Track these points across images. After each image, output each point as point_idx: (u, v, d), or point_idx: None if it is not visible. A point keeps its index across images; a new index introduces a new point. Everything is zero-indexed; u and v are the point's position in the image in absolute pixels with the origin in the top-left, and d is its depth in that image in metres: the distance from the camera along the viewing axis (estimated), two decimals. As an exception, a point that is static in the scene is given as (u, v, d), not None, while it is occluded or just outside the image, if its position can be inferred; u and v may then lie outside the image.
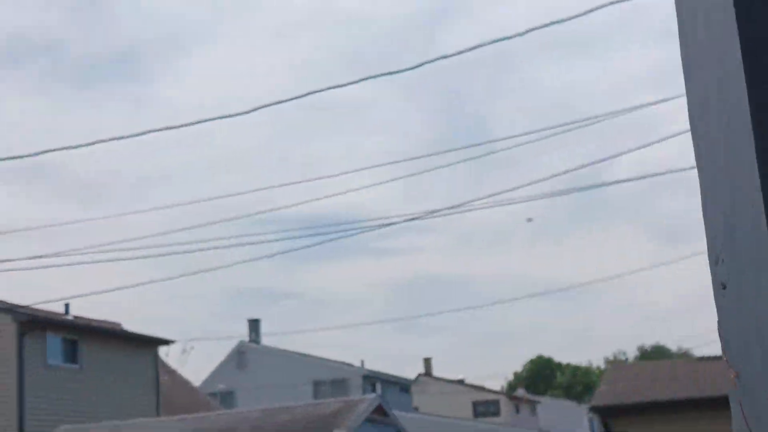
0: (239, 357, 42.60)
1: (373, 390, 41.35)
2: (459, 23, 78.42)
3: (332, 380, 41.20)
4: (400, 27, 76.05)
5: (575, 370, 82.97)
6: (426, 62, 11.89)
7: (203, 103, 73.75)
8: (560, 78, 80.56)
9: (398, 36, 76.10)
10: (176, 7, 71.16)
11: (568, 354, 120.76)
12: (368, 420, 17.92)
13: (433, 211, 16.57)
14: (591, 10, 10.00)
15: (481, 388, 57.03)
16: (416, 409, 46.71)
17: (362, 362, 43.26)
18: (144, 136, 11.87)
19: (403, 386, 46.25)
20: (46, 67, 75.66)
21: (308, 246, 16.83)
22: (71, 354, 24.01)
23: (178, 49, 73.45)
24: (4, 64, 75.19)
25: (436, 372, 57.81)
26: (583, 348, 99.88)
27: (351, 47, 75.55)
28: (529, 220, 18.94)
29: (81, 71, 77.11)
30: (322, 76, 76.31)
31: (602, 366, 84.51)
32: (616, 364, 47.97)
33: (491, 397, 56.32)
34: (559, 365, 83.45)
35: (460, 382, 56.67)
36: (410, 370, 79.14)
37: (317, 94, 11.99)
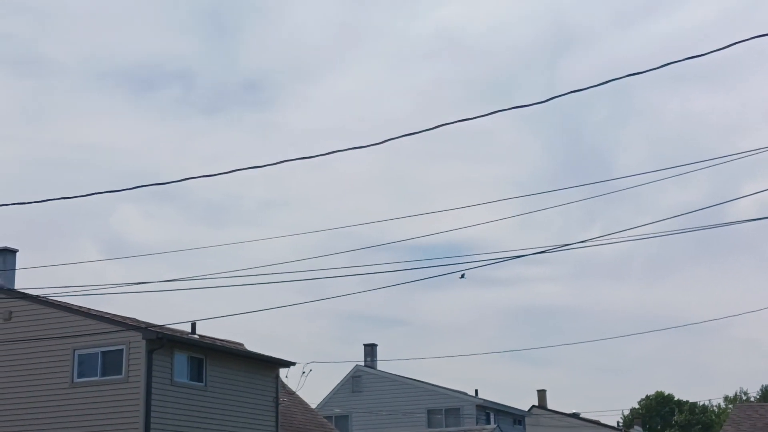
0: (354, 381, 42.95)
1: (487, 420, 41.08)
2: (580, 52, 77.69)
3: (446, 409, 41.10)
4: (522, 55, 75.83)
5: (693, 407, 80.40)
6: (555, 96, 11.88)
7: (324, 128, 75.08)
8: (682, 108, 78.65)
9: (519, 64, 75.84)
10: (301, 37, 72.82)
11: (685, 391, 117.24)
12: (487, 450, 17.87)
13: (546, 249, 16.45)
14: (730, 45, 9.86)
15: (597, 423, 55.91)
16: (530, 442, 46.17)
17: (476, 391, 43.04)
18: (268, 161, 12.22)
19: (516, 418, 45.78)
20: (177, 94, 78.45)
21: (425, 278, 16.96)
22: (197, 372, 24.73)
23: (303, 77, 75.07)
24: (140, 91, 78.24)
25: (550, 404, 57.00)
26: (701, 385, 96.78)
27: (472, 75, 75.71)
28: (462, 276, 18.68)
29: (210, 98, 79.59)
30: (443, 103, 76.74)
31: (722, 404, 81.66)
32: (741, 404, 46.36)
33: (606, 432, 55.14)
34: (678, 402, 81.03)
35: (575, 415, 55.69)
36: (523, 402, 78.14)
37: (441, 120, 12.11)
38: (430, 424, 40.69)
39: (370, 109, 76.99)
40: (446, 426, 39.96)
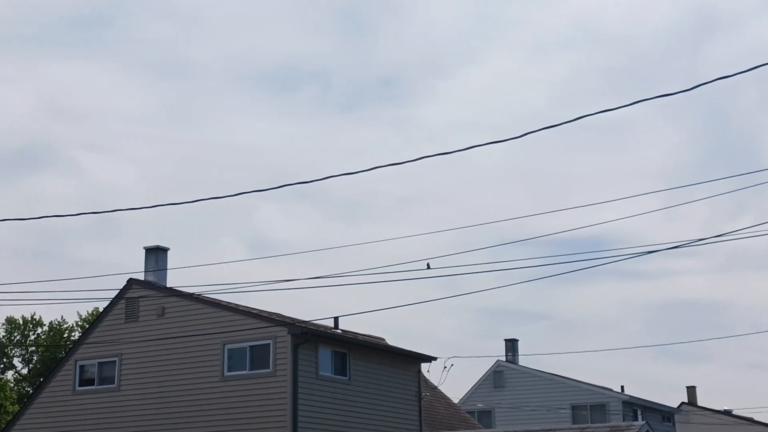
0: (496, 376, 42.77)
1: (634, 417, 40.15)
2: (723, 35, 74.87)
3: (591, 405, 40.42)
4: (661, 41, 73.66)
5: None
6: (701, 84, 11.50)
7: (459, 122, 74.98)
8: (840, 91, 74.72)
9: (660, 50, 73.72)
10: (435, 32, 72.97)
11: None
12: (634, 447, 17.52)
13: (694, 241, 15.91)
14: None
15: (750, 420, 53.82)
16: (679, 439, 44.86)
17: (622, 387, 42.16)
18: (404, 156, 12.31)
19: (665, 414, 44.56)
20: (315, 93, 79.97)
21: (568, 272, 16.72)
22: (340, 366, 25.18)
23: (437, 72, 75.18)
24: (279, 92, 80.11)
25: (701, 401, 55.22)
26: None
27: (610, 64, 74.11)
28: (428, 266, 17.93)
29: (347, 96, 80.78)
30: (580, 94, 75.39)
31: None
32: None
33: (761, 430, 53.01)
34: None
35: (727, 412, 53.76)
36: (671, 398, 76.03)
37: (578, 111, 11.92)
38: (574, 420, 40.08)
39: (505, 102, 76.41)
40: (591, 422, 39.27)
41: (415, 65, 76.28)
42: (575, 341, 78.45)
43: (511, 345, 43.88)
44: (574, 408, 40.57)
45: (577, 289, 79.31)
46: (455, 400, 36.37)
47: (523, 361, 43.49)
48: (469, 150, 12.05)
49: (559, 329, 78.56)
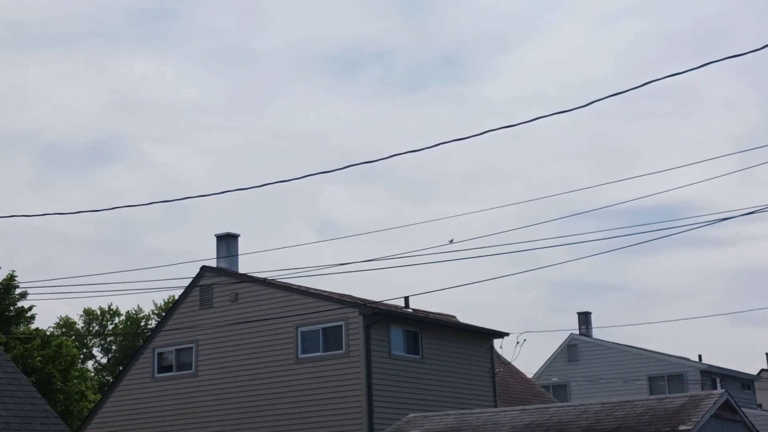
0: (570, 350, 42.46)
1: (713, 385, 39.52)
2: (794, -7, 72.68)
3: (668, 375, 39.91)
4: (728, 3, 71.88)
5: None
6: (772, 41, 11.14)
7: (523, 96, 74.25)
8: None
9: (726, 13, 71.95)
10: (496, 7, 72.24)
11: None
12: (715, 416, 17.22)
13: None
14: None
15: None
16: (760, 407, 44.03)
17: (699, 357, 41.52)
18: (469, 133, 12.18)
19: (744, 382, 43.78)
20: (378, 74, 79.88)
21: (641, 243, 16.45)
22: (413, 345, 25.22)
23: (499, 47, 74.50)
24: (342, 75, 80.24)
25: (781, 368, 54.08)
26: None
27: (675, 29, 72.60)
28: (451, 241, 17.76)
29: (410, 76, 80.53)
30: (646, 61, 74.01)
31: None
32: None
33: None
34: None
35: (809, 378, 52.58)
36: (751, 366, 74.63)
37: (644, 79, 11.65)
38: (652, 391, 39.61)
39: (569, 74, 75.38)
40: (669, 392, 38.78)
41: (477, 41, 75.72)
42: (650, 312, 77.52)
43: (584, 318, 43.51)
44: (651, 379, 40.11)
45: (649, 260, 78.23)
46: (529, 375, 36.22)
47: (596, 333, 43.10)
48: (535, 123, 11.90)
49: (632, 301, 77.65)
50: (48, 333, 44.65)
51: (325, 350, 24.31)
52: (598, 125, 76.48)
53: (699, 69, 11.06)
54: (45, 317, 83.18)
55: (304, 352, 24.65)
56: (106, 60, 72.24)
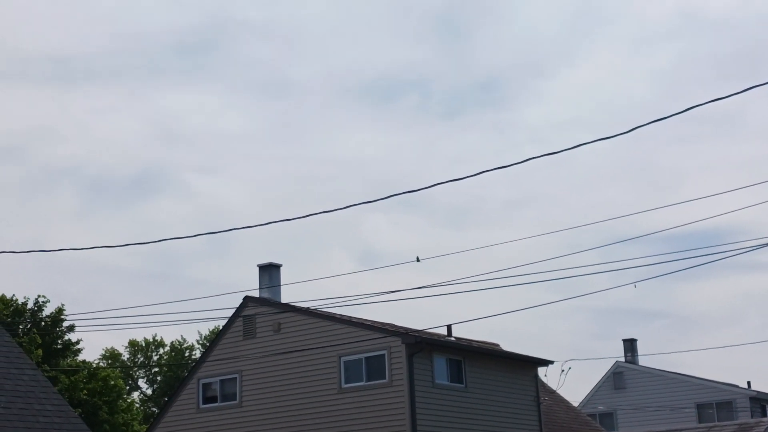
0: (616, 377, 41.97)
1: (763, 413, 38.80)
2: (838, 14, 71.93)
3: (717, 402, 39.26)
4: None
5: None
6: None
7: (563, 121, 74.03)
8: None
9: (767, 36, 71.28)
10: (534, 32, 72.33)
11: None
12: (766, 445, 16.91)
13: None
14: None
15: None
16: (813, 435, 43.09)
17: (748, 383, 40.79)
18: (508, 160, 12.19)
19: (795, 409, 42.93)
20: (416, 101, 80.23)
21: (685, 269, 16.28)
22: (456, 374, 25.10)
23: (537, 72, 74.44)
24: (379, 102, 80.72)
25: (834, 395, 52.96)
26: None
27: (718, 51, 72.09)
28: (418, 260, 17.87)
29: (447, 103, 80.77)
30: (688, 84, 73.53)
31: None
32: None
33: None
34: None
35: None
36: (802, 393, 73.09)
37: (684, 102, 11.61)
38: (700, 419, 38.98)
39: (608, 97, 75.07)
40: (718, 420, 38.12)
41: (514, 67, 75.74)
42: (696, 338, 76.34)
43: (630, 345, 43.01)
44: (699, 407, 39.48)
45: (694, 285, 77.18)
46: (575, 404, 35.83)
47: (642, 361, 42.58)
48: (575, 148, 11.88)
49: (677, 327, 76.59)
50: (94, 365, 45.11)
51: (368, 380, 24.28)
52: (638, 149, 75.92)
53: (742, 93, 11.00)
54: (90, 349, 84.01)
55: (347, 382, 24.63)
56: (148, 92, 73.37)
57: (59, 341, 39.87)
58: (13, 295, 38.97)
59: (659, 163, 72.15)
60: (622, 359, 42.43)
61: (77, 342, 40.22)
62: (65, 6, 65.86)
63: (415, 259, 18.42)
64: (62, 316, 39.22)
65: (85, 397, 37.74)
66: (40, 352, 36.13)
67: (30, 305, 39.13)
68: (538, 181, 76.03)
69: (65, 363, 39.42)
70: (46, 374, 32.32)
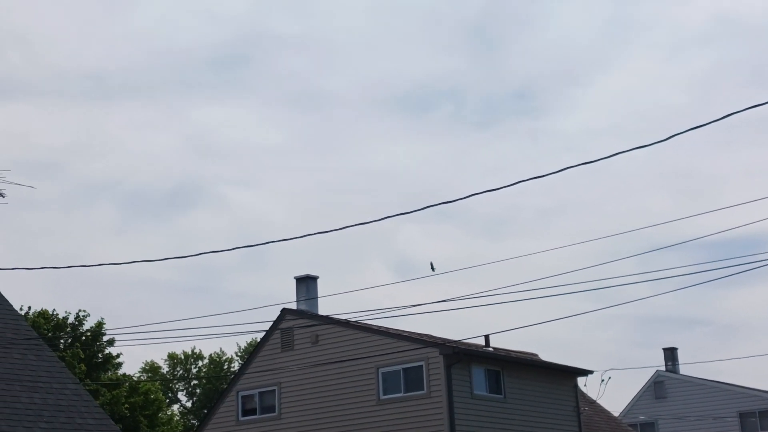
0: (657, 387, 41.52)
1: (808, 422, 38.19)
2: None
3: (760, 411, 38.68)
4: (808, 28, 70.40)
5: None
6: None
7: (598, 129, 73.61)
8: None
9: (806, 38, 70.46)
10: (568, 40, 72.00)
11: None
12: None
13: None
14: None
15: None
16: None
17: (793, 392, 40.16)
18: (543, 168, 12.11)
19: (842, 418, 42.19)
20: (450, 111, 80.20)
21: (726, 276, 16.07)
22: (495, 384, 24.99)
23: (572, 80, 74.09)
24: (413, 112, 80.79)
25: None
26: None
27: (754, 57, 71.30)
28: (432, 267, 17.54)
29: (482, 112, 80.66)
30: (724, 90, 72.78)
31: None
32: None
33: None
34: None
35: None
36: None
37: (721, 108, 11.49)
38: (743, 428, 38.45)
39: (644, 104, 74.44)
40: (761, 429, 37.58)
41: (549, 75, 75.42)
42: (737, 346, 75.31)
43: (671, 354, 42.53)
44: (741, 415, 38.93)
45: (735, 292, 76.25)
46: (615, 414, 35.49)
47: (683, 369, 42.09)
48: (612, 157, 11.78)
49: (719, 335, 75.64)
50: (135, 378, 45.48)
51: (406, 391, 24.24)
52: (675, 156, 75.30)
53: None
54: (130, 362, 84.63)
55: (385, 393, 24.61)
56: (184, 107, 74.05)
57: (100, 355, 40.25)
58: (54, 309, 39.45)
59: (696, 169, 71.49)
60: (663, 368, 41.97)
61: (117, 356, 40.59)
62: (101, 23, 66.71)
63: (430, 266, 18.27)
64: (102, 330, 39.61)
65: (126, 412, 38.00)
66: (83, 366, 36.50)
67: (71, 320, 39.58)
68: (573, 189, 75.59)
69: (106, 377, 39.77)
70: (87, 388, 32.63)
